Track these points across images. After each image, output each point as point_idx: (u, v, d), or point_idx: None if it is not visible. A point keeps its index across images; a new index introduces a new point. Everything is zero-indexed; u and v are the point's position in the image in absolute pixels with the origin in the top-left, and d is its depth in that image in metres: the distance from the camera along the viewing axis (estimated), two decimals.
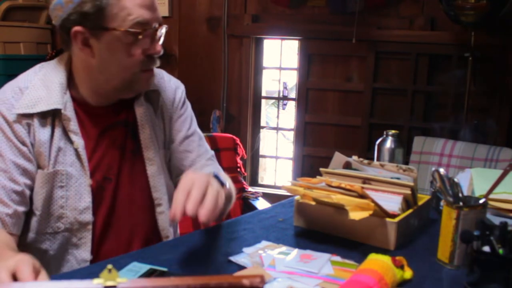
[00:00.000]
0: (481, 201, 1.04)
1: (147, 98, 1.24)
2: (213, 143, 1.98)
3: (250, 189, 2.38)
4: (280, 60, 3.33)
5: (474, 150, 2.24)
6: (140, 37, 1.07)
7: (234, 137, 2.34)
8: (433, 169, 1.07)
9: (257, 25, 3.16)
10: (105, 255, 1.18)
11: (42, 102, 1.10)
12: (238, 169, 2.39)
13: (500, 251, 0.87)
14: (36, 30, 3.47)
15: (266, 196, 2.46)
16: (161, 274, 0.91)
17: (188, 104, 1.34)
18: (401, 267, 0.94)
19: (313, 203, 1.14)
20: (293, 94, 3.35)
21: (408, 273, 0.95)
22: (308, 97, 3.17)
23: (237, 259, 1.02)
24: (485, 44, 2.64)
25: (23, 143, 1.09)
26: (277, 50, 3.34)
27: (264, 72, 3.32)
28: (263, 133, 3.39)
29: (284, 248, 1.07)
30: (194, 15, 3.26)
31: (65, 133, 1.13)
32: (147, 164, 1.22)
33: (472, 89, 2.61)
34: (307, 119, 3.18)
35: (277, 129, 3.43)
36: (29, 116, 1.10)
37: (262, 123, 3.37)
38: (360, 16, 2.88)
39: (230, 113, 3.31)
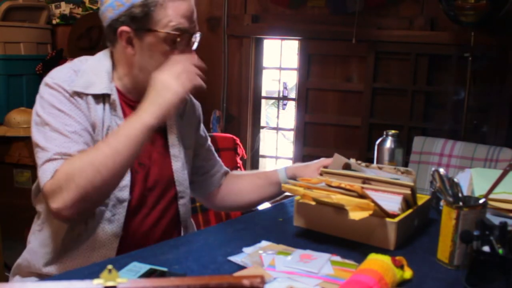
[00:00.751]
0: (481, 201, 1.04)
1: None
2: (213, 143, 1.97)
3: None
4: (280, 60, 3.33)
5: (474, 150, 2.24)
6: (178, 40, 1.19)
7: (234, 137, 2.33)
8: (433, 169, 1.07)
9: (257, 25, 3.16)
10: (132, 233, 1.25)
11: (94, 86, 1.20)
12: (238, 169, 2.39)
13: (500, 251, 0.88)
14: (36, 30, 3.47)
15: None
16: (161, 274, 0.91)
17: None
18: (401, 267, 0.94)
19: (313, 203, 1.14)
20: (293, 94, 3.35)
21: (408, 273, 0.95)
22: (308, 97, 3.17)
23: (237, 259, 1.02)
24: (485, 44, 2.64)
25: (84, 114, 1.18)
26: (277, 50, 3.34)
27: (264, 72, 3.33)
28: (263, 133, 3.39)
29: (284, 248, 1.07)
30: None
31: (112, 115, 1.23)
32: (173, 161, 1.33)
33: (471, 89, 2.61)
34: (307, 119, 3.18)
35: (277, 129, 3.43)
36: (85, 95, 1.19)
37: (262, 123, 3.37)
38: (360, 16, 2.88)
39: (230, 113, 3.31)
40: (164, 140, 1.33)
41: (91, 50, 2.73)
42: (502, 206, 1.26)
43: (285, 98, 3.38)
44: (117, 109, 1.23)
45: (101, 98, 1.21)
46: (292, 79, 3.35)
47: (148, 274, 0.92)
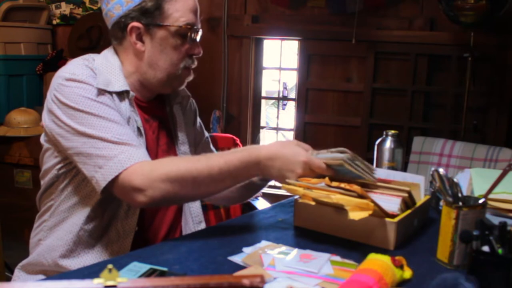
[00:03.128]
0: (480, 201, 1.04)
1: (180, 101, 1.39)
2: (213, 143, 1.98)
3: None
4: (280, 60, 3.34)
5: (474, 150, 2.24)
6: (189, 34, 1.22)
7: (234, 137, 2.33)
8: (433, 169, 1.07)
9: (257, 25, 3.17)
10: (147, 228, 1.28)
11: (112, 84, 1.20)
12: None
13: (500, 251, 0.88)
14: (36, 30, 3.47)
15: (266, 196, 2.46)
16: (161, 274, 0.91)
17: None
18: (401, 266, 0.94)
19: (313, 203, 1.14)
20: (293, 94, 3.35)
21: (407, 273, 0.95)
22: (308, 97, 3.17)
23: (237, 259, 1.02)
24: (484, 45, 2.65)
25: (112, 108, 1.17)
26: (277, 51, 3.34)
27: (264, 72, 3.33)
28: (263, 133, 3.40)
29: (284, 248, 1.07)
30: None
31: (131, 111, 1.23)
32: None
33: (471, 89, 2.61)
34: (306, 119, 3.18)
35: (277, 129, 3.43)
36: (109, 92, 1.19)
37: (262, 123, 3.37)
38: (359, 16, 2.88)
39: (230, 113, 3.31)
40: (168, 138, 1.34)
41: (91, 50, 2.73)
42: (502, 206, 1.26)
43: (285, 98, 3.38)
44: (134, 106, 1.24)
45: (122, 95, 1.22)
46: (292, 79, 3.35)
47: (148, 274, 0.92)
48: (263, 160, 1.11)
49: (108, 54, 1.27)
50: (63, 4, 3.59)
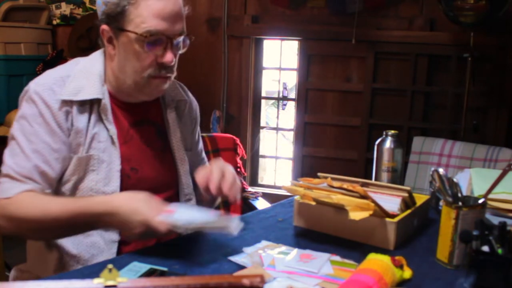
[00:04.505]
0: (480, 201, 1.04)
1: (176, 105, 1.35)
2: (213, 143, 1.98)
3: (250, 189, 2.38)
4: (280, 60, 3.34)
5: (473, 150, 2.24)
6: (149, 43, 1.13)
7: (234, 137, 2.33)
8: (433, 169, 1.08)
9: (257, 25, 3.17)
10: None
11: (84, 91, 1.17)
12: (238, 169, 2.38)
13: (499, 251, 0.88)
14: (36, 30, 3.47)
15: (266, 196, 2.46)
16: (161, 274, 0.92)
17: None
18: (401, 266, 0.94)
19: (313, 203, 1.14)
20: (292, 95, 3.35)
21: (407, 273, 0.95)
22: (308, 97, 3.17)
23: (237, 259, 1.02)
24: (484, 45, 2.65)
25: (61, 129, 1.15)
26: (277, 51, 3.34)
27: (264, 72, 3.33)
28: (263, 133, 3.40)
29: (284, 248, 1.07)
30: (194, 15, 3.24)
31: (100, 121, 1.20)
32: (178, 164, 1.31)
33: (471, 89, 2.61)
34: (306, 119, 3.18)
35: (277, 129, 3.43)
36: (70, 103, 1.16)
37: (262, 123, 3.37)
38: (359, 16, 2.88)
39: (230, 113, 3.31)
40: (162, 142, 1.30)
41: (92, 50, 2.73)
42: (502, 206, 1.26)
43: (285, 98, 3.38)
44: (108, 113, 1.19)
45: (88, 105, 1.18)
46: (292, 79, 3.35)
47: (148, 274, 0.92)
48: (102, 216, 1.05)
49: (94, 57, 1.25)
50: (63, 4, 3.59)
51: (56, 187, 1.18)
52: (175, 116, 1.33)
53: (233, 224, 1.02)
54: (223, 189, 1.10)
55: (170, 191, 1.30)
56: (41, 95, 1.14)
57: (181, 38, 1.18)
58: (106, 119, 1.19)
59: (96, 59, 1.24)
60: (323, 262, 1.00)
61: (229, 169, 1.15)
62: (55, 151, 1.14)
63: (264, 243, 1.12)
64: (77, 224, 1.09)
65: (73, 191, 1.18)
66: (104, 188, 1.18)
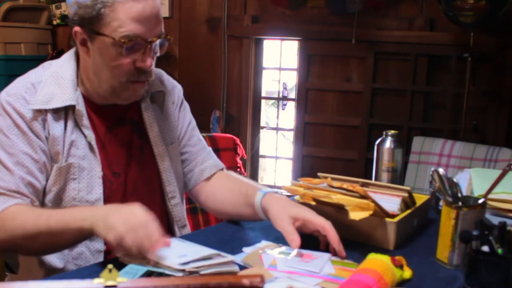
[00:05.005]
0: (480, 201, 1.04)
1: (153, 98, 1.28)
2: (213, 143, 1.98)
3: None
4: (280, 60, 3.34)
5: (473, 150, 2.24)
6: (127, 48, 1.07)
7: (234, 137, 2.33)
8: (432, 169, 1.08)
9: (257, 25, 3.17)
10: None
11: (56, 98, 1.12)
12: (238, 169, 2.38)
13: (499, 250, 0.88)
14: (37, 30, 3.47)
15: None
16: (159, 276, 0.91)
17: (185, 102, 1.38)
18: (401, 266, 0.94)
19: (313, 203, 1.14)
20: (292, 95, 3.35)
21: (407, 273, 0.95)
22: (308, 97, 3.18)
23: (237, 259, 1.02)
24: (484, 45, 2.65)
25: (39, 138, 1.11)
26: (277, 51, 3.34)
27: (264, 72, 3.33)
28: (263, 133, 3.40)
29: (284, 248, 1.07)
30: (194, 15, 3.27)
31: (77, 127, 1.15)
32: (158, 160, 1.25)
33: (471, 89, 2.61)
34: (306, 119, 3.18)
35: (276, 129, 3.43)
36: (43, 111, 1.11)
37: (262, 123, 3.37)
38: (359, 16, 2.88)
39: (230, 113, 3.32)
40: (141, 140, 1.24)
41: None
42: (501, 206, 1.26)
43: (285, 98, 3.38)
44: (84, 119, 1.14)
45: (63, 112, 1.13)
46: (292, 79, 3.35)
47: (146, 276, 0.92)
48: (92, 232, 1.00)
49: (66, 59, 1.19)
50: (63, 4, 3.59)
51: None
52: (151, 111, 1.25)
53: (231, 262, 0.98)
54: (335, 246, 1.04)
55: (152, 190, 1.26)
56: (13, 105, 1.10)
57: (158, 41, 1.12)
58: (82, 125, 1.14)
59: (67, 62, 1.18)
60: (324, 262, 1.00)
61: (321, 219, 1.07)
62: (37, 161, 1.10)
63: (264, 243, 1.12)
64: (66, 239, 1.05)
65: (56, 202, 1.14)
66: (87, 196, 1.15)
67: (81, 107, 1.15)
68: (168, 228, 1.29)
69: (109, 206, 1.05)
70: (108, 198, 1.18)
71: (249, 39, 3.20)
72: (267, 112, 3.69)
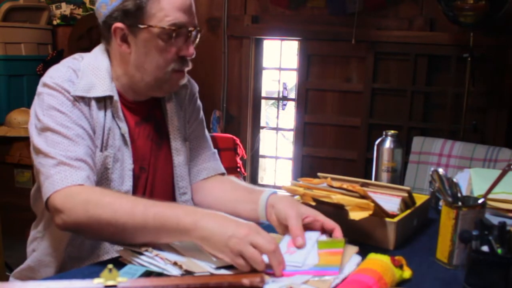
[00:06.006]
0: (480, 201, 1.04)
1: (176, 92, 1.30)
2: (213, 143, 1.98)
3: None
4: (280, 60, 3.34)
5: (473, 150, 2.24)
6: (174, 36, 1.12)
7: (234, 137, 2.34)
8: (432, 169, 1.08)
9: (257, 26, 3.17)
10: None
11: (96, 87, 1.14)
12: (238, 169, 2.40)
13: (499, 250, 0.88)
14: (37, 30, 3.48)
15: None
16: (159, 276, 0.91)
17: (199, 101, 1.40)
18: (400, 266, 0.94)
19: (313, 203, 1.14)
20: (292, 95, 3.35)
21: (407, 273, 0.95)
22: (308, 97, 3.18)
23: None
24: (483, 45, 2.65)
25: (86, 118, 1.12)
26: (277, 51, 3.34)
27: (264, 72, 3.33)
28: (263, 133, 3.40)
29: (274, 236, 1.04)
30: None
31: (113, 119, 1.17)
32: (174, 154, 1.27)
33: (471, 89, 2.61)
34: (306, 120, 3.19)
35: (276, 129, 3.44)
36: (87, 98, 1.13)
37: (262, 123, 3.37)
38: (359, 17, 2.88)
39: (230, 113, 3.32)
40: (160, 136, 1.26)
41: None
42: (501, 206, 1.26)
43: (284, 98, 3.38)
44: (119, 111, 1.17)
45: (103, 101, 1.15)
46: (292, 79, 3.36)
47: (145, 276, 0.92)
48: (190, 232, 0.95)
49: (98, 53, 1.20)
50: (63, 4, 3.59)
51: None
52: (174, 104, 1.28)
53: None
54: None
55: (166, 185, 1.27)
56: (62, 85, 1.10)
57: (195, 31, 1.18)
58: (117, 117, 1.17)
59: (100, 55, 1.20)
60: (309, 249, 0.97)
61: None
62: (91, 137, 1.11)
63: None
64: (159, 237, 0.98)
65: None
66: (119, 187, 1.16)
67: (117, 99, 1.17)
68: None
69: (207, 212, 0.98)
70: (135, 191, 1.20)
71: (249, 39, 3.20)
72: (267, 112, 3.70)
